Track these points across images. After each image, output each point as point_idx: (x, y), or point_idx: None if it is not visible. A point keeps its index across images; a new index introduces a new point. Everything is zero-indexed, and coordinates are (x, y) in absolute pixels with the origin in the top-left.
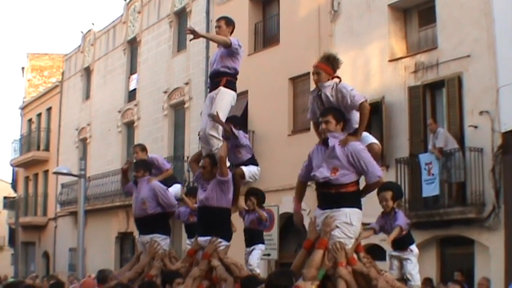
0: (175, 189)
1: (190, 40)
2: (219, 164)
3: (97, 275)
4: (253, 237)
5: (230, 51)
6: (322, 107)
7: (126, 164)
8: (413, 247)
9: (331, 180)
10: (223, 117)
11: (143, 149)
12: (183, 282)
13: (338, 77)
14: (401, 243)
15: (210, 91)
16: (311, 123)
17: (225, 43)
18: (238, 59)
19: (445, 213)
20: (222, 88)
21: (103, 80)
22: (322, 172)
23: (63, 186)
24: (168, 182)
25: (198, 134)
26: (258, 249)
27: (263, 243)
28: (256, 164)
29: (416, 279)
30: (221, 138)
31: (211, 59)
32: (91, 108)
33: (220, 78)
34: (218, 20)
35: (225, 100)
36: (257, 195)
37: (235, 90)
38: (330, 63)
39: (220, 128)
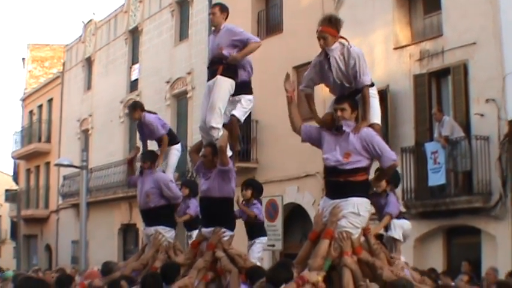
0: (174, 153)
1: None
2: (219, 154)
3: (102, 267)
4: (252, 230)
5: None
6: (330, 71)
7: (132, 153)
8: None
9: (342, 165)
10: (222, 106)
11: (134, 107)
12: (185, 274)
13: (344, 38)
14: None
15: (208, 80)
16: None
17: (258, 48)
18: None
19: (451, 202)
20: (219, 77)
21: (104, 70)
22: (335, 155)
23: (65, 178)
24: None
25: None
26: (259, 243)
27: (264, 235)
28: (250, 92)
29: (397, 229)
30: (221, 128)
31: (209, 46)
32: (92, 99)
33: (217, 66)
34: (212, 7)
35: (222, 89)
36: (253, 187)
37: (233, 77)
38: (334, 25)
39: (221, 117)
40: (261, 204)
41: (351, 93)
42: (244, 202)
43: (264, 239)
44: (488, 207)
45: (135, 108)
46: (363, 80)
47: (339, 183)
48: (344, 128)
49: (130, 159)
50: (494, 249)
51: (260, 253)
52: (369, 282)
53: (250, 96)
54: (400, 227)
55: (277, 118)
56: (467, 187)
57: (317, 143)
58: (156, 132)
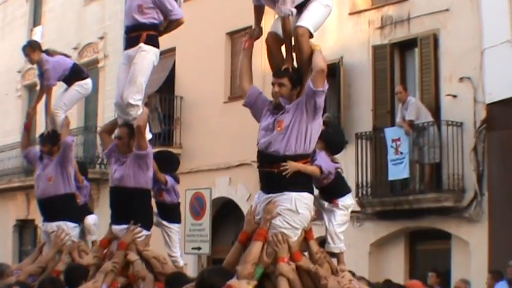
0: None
1: None
2: (136, 135)
3: None
4: (167, 213)
5: None
6: None
7: (27, 118)
8: (344, 199)
9: (276, 141)
10: (144, 81)
11: (33, 47)
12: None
13: None
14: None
15: (127, 48)
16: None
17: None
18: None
19: (415, 200)
20: (142, 45)
21: (0, 34)
22: (266, 136)
23: None
24: (72, 78)
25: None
26: (175, 233)
27: (178, 221)
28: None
29: (337, 241)
30: (141, 105)
31: (125, 7)
32: None
33: (140, 32)
34: None
35: (146, 59)
36: (156, 159)
37: (158, 46)
38: None
39: (142, 93)
40: (176, 181)
41: None
42: None
43: (177, 227)
44: (460, 207)
45: (33, 48)
46: (279, 8)
47: (274, 174)
48: (283, 104)
49: (28, 125)
50: (466, 258)
51: (178, 243)
52: None
53: (157, 50)
54: (339, 235)
55: (206, 95)
56: (436, 183)
57: (257, 114)
58: (48, 80)
